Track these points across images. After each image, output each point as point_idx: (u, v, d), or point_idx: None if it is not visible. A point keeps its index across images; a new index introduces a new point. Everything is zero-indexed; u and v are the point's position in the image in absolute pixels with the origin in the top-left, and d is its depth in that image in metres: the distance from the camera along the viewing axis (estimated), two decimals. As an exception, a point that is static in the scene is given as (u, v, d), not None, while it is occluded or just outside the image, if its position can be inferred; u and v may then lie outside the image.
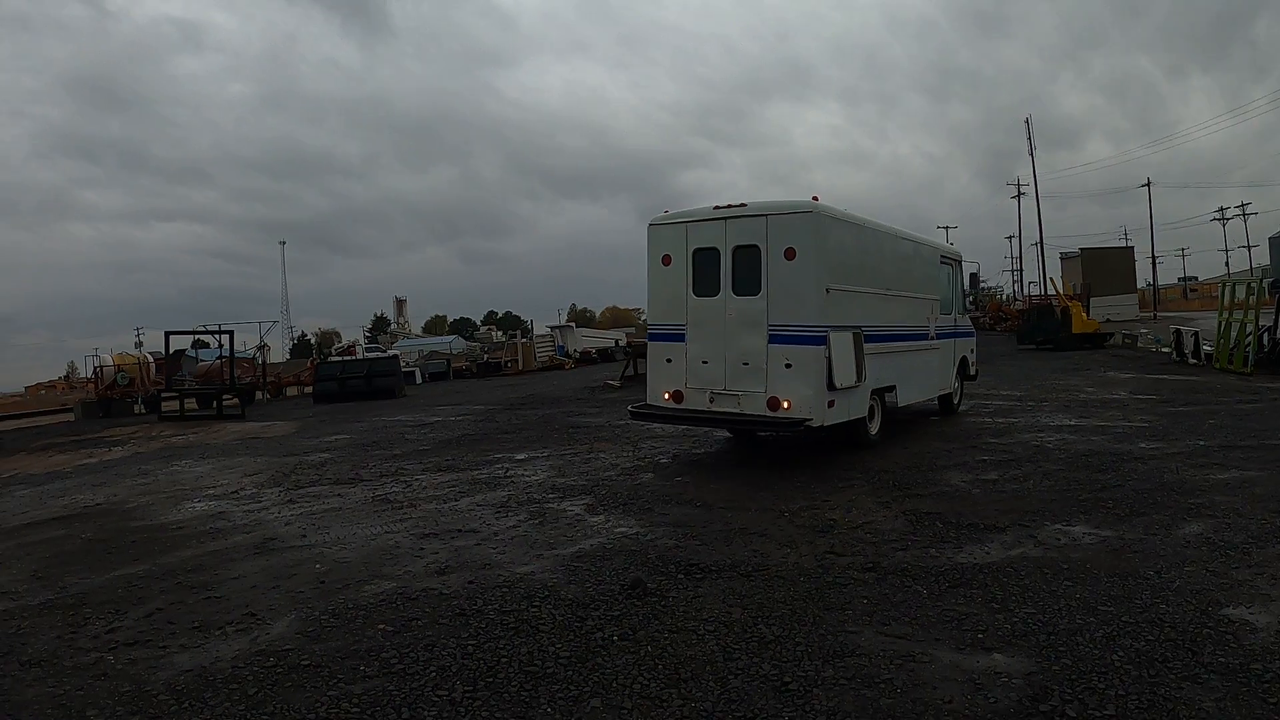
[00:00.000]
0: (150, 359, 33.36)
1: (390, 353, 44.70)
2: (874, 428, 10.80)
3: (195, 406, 25.28)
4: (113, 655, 4.87)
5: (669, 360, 10.33)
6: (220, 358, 27.12)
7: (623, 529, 7.18)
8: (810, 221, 9.37)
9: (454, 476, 10.24)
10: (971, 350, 15.18)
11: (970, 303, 16.04)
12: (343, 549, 6.98)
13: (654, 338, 10.67)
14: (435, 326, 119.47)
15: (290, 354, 71.82)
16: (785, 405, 9.29)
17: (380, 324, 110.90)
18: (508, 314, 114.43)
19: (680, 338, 10.23)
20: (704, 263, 10.09)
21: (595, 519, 7.63)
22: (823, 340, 9.19)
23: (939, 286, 13.19)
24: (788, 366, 9.31)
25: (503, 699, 4.00)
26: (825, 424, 9.27)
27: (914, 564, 5.69)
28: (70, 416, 30.49)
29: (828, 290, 9.36)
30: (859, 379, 9.75)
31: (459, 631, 4.89)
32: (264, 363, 35.50)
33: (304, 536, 7.50)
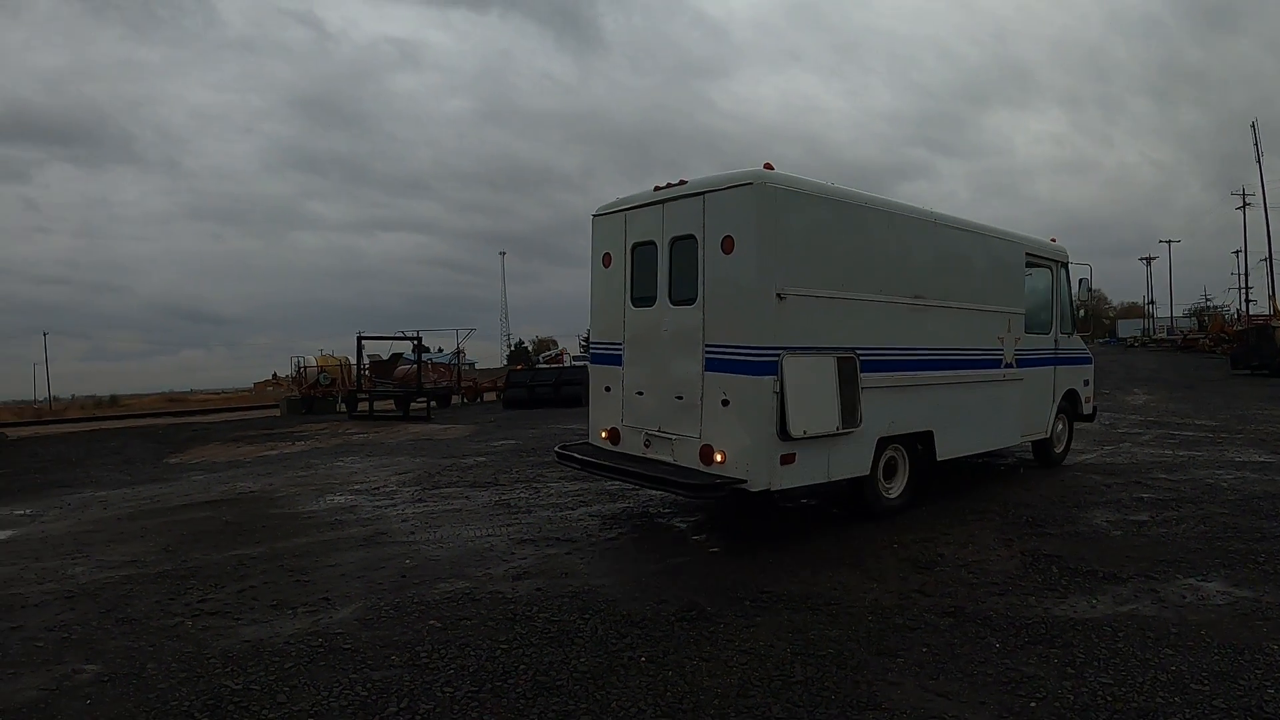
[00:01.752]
0: (355, 360, 36.40)
1: (582, 363, 46.27)
2: (895, 489, 8.11)
3: (392, 407, 27.40)
4: (191, 621, 5.44)
5: (607, 389, 8.32)
6: (421, 362, 29.30)
7: (717, 548, 7.11)
8: (751, 199, 6.70)
9: (584, 486, 10.48)
10: (1086, 382, 11.81)
11: (1081, 315, 12.26)
12: (439, 548, 7.35)
13: (594, 359, 8.67)
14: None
15: (507, 360, 76.14)
16: (718, 459, 6.89)
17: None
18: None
19: (619, 359, 8.19)
20: (642, 261, 7.92)
21: (696, 537, 7.58)
22: (770, 368, 6.65)
23: (1021, 296, 10.00)
24: (724, 404, 6.88)
25: (499, 704, 4.09)
26: (775, 488, 6.74)
27: (1002, 612, 5.24)
28: (277, 412, 33.88)
29: (780, 295, 6.74)
30: (846, 423, 7.15)
31: (499, 634, 5.03)
32: (459, 367, 37.81)
33: (411, 534, 7.96)
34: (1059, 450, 11.33)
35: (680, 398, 7.27)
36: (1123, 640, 4.74)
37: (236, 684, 4.41)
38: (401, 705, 4.09)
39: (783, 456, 6.69)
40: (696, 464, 7.06)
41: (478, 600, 5.77)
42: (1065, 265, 11.34)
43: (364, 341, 29.27)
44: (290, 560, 7.01)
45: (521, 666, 4.54)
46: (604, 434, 8.30)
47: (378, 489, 11.03)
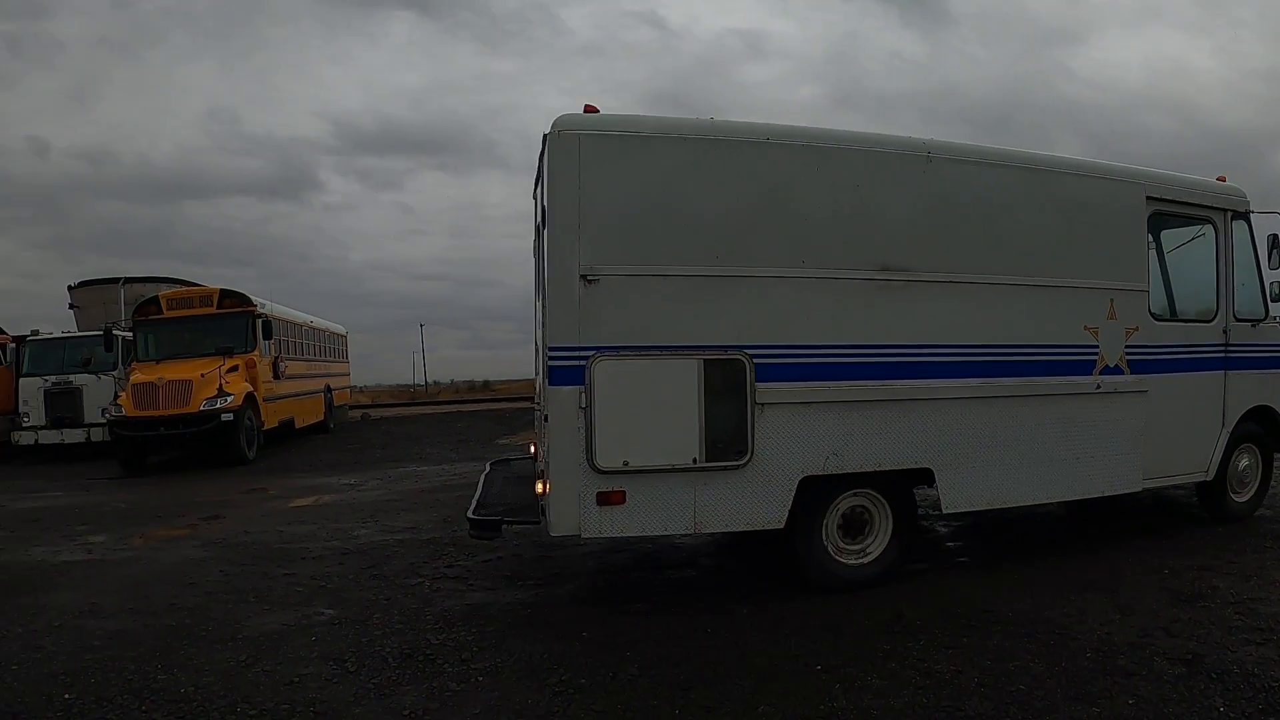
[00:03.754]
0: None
1: None
2: (868, 551, 5.99)
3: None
4: (430, 583, 6.45)
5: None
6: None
7: (965, 558, 6.85)
8: (552, 155, 5.35)
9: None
10: None
11: (1277, 292, 7.96)
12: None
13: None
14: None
15: None
16: (539, 489, 5.88)
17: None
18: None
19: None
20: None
21: (951, 544, 7.34)
22: (576, 375, 5.25)
23: (1140, 264, 6.90)
24: (545, 420, 5.63)
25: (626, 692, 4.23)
26: (589, 535, 5.41)
27: (1247, 668, 4.41)
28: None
29: (585, 278, 5.26)
30: (718, 454, 5.38)
31: (698, 624, 5.17)
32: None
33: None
34: (1242, 498, 7.85)
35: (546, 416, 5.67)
36: None
37: (437, 639, 5.10)
38: (563, 678, 4.38)
39: (600, 494, 5.25)
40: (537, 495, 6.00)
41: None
42: (1244, 217, 7.69)
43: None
44: (540, 536, 7.61)
45: (689, 658, 4.65)
46: (533, 446, 7.48)
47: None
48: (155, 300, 16.26)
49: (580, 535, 5.37)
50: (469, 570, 6.65)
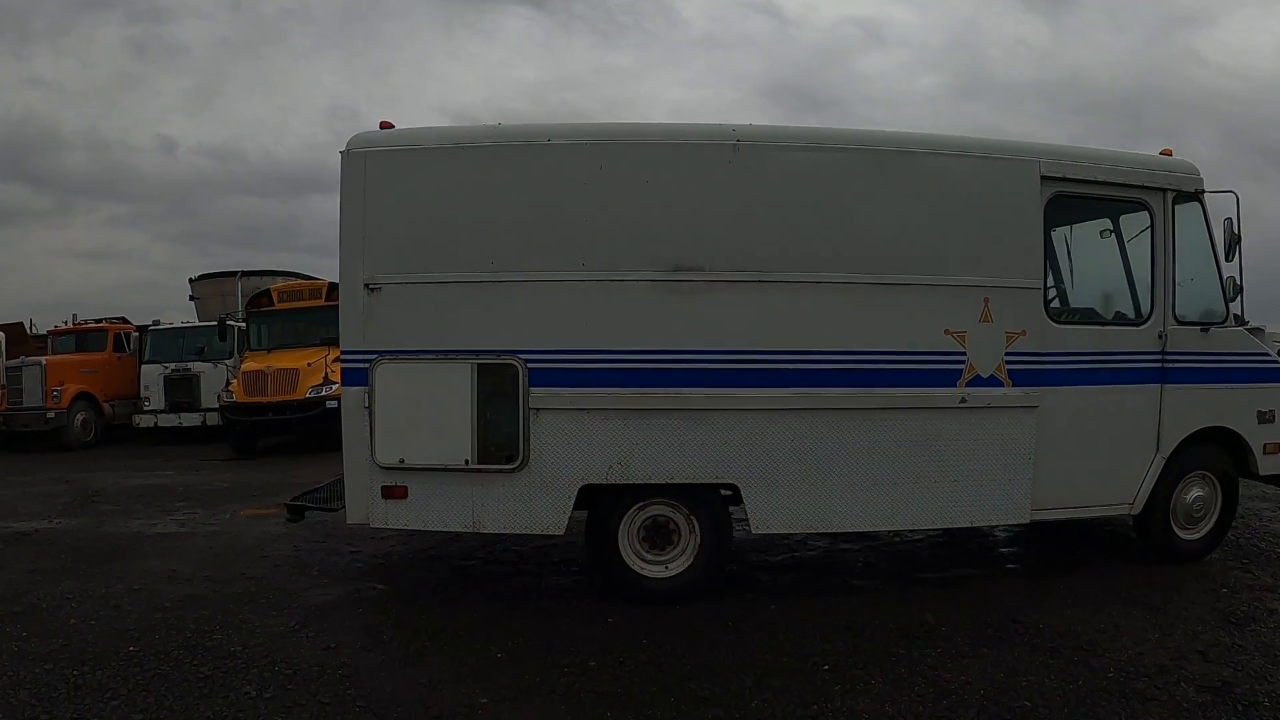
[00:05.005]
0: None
1: None
2: (671, 563, 5.76)
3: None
4: (473, 563, 6.50)
5: None
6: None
7: (1015, 565, 6.79)
8: (346, 170, 5.61)
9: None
10: (1270, 414, 6.66)
11: (1235, 289, 6.56)
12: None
13: None
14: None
15: None
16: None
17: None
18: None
19: None
20: None
21: (1005, 549, 7.28)
22: (361, 376, 5.56)
23: (1031, 256, 5.98)
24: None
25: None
26: (378, 524, 5.69)
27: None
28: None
29: (369, 286, 5.55)
30: (490, 455, 5.48)
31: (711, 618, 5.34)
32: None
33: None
34: (1192, 535, 6.59)
35: None
36: None
37: (472, 618, 5.54)
38: (576, 660, 4.63)
39: (385, 488, 5.55)
40: None
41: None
42: (1194, 199, 6.41)
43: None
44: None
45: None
46: None
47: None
48: (267, 293, 17.21)
49: (370, 524, 5.66)
50: (522, 556, 6.97)
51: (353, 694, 4.41)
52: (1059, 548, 7.15)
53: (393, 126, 5.74)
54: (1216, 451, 6.52)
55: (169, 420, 17.62)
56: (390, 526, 5.76)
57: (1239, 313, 6.57)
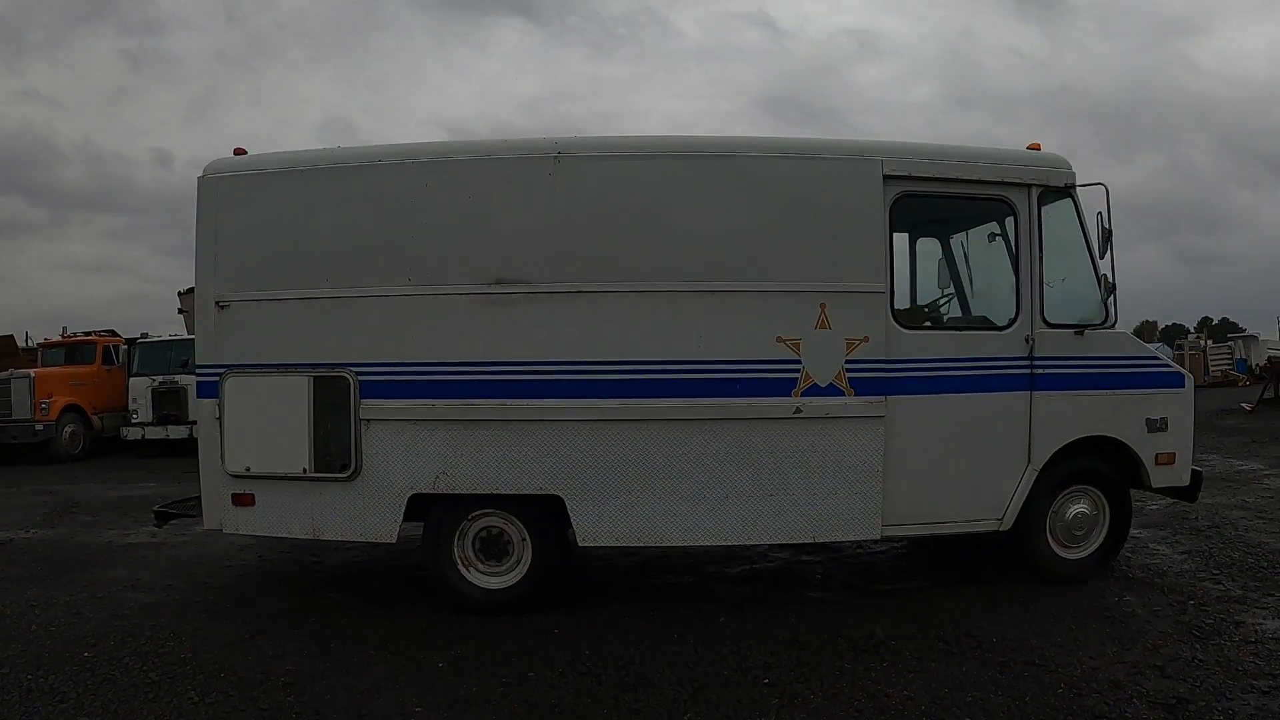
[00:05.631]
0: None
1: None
2: (504, 575, 5.80)
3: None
4: None
5: None
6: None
7: (954, 592, 6.64)
8: (201, 195, 5.93)
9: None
10: (1157, 421, 6.20)
11: (1108, 288, 6.18)
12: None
13: None
14: (1145, 332, 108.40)
15: None
16: None
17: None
18: (1224, 320, 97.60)
19: None
20: None
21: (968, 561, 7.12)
22: (212, 389, 5.87)
23: (874, 259, 5.80)
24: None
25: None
26: (229, 530, 6.01)
27: (1234, 718, 4.31)
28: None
29: (219, 304, 5.83)
30: (325, 465, 5.69)
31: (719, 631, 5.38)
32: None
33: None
34: (1075, 554, 6.31)
35: None
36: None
37: (423, 626, 5.48)
38: (515, 671, 4.67)
39: (235, 496, 5.82)
40: None
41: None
42: (1064, 194, 6.17)
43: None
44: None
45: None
46: None
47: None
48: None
49: (223, 530, 5.96)
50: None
51: (291, 700, 4.46)
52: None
53: (245, 153, 6.05)
54: (1102, 464, 6.28)
55: (156, 433, 17.67)
56: (240, 532, 6.02)
57: (1115, 313, 6.24)
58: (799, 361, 5.66)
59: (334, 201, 5.80)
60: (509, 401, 5.60)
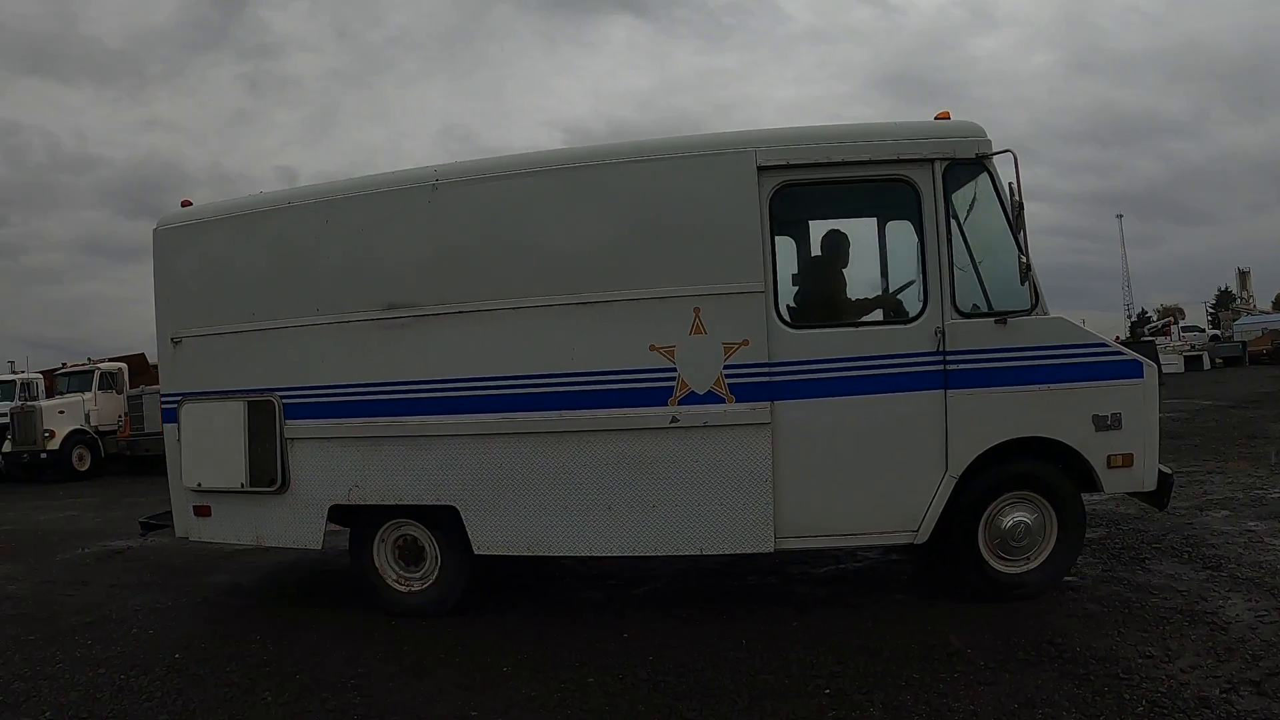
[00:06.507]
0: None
1: (1148, 339, 42.15)
2: (422, 580, 6.18)
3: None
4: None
5: None
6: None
7: (1049, 598, 6.33)
8: (156, 244, 6.72)
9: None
10: (1108, 418, 5.52)
11: (1023, 270, 5.45)
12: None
13: None
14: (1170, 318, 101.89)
15: (1130, 331, 70.57)
16: None
17: (1224, 299, 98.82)
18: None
19: None
20: None
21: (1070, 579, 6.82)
22: (171, 415, 6.63)
23: (752, 258, 5.52)
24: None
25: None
26: (194, 538, 6.68)
27: None
28: None
29: (174, 340, 6.59)
30: (259, 479, 6.21)
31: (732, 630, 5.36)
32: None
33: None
34: (1019, 567, 5.75)
35: None
36: None
37: (473, 640, 5.59)
38: (573, 676, 4.70)
39: (196, 508, 6.53)
40: None
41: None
42: (977, 165, 5.62)
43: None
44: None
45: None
46: None
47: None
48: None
49: (189, 538, 6.67)
50: (569, 570, 7.18)
51: (358, 701, 4.66)
52: (1135, 555, 6.74)
53: (191, 204, 6.83)
54: (1046, 467, 5.68)
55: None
56: (201, 540, 6.69)
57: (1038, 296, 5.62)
58: (674, 369, 5.55)
59: (256, 243, 6.43)
60: (404, 419, 5.94)
